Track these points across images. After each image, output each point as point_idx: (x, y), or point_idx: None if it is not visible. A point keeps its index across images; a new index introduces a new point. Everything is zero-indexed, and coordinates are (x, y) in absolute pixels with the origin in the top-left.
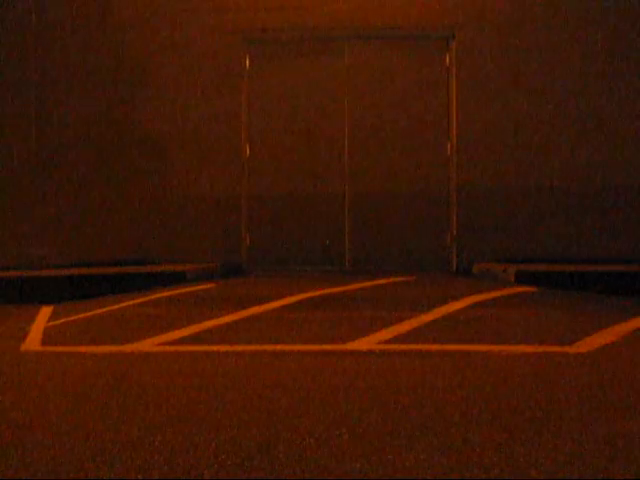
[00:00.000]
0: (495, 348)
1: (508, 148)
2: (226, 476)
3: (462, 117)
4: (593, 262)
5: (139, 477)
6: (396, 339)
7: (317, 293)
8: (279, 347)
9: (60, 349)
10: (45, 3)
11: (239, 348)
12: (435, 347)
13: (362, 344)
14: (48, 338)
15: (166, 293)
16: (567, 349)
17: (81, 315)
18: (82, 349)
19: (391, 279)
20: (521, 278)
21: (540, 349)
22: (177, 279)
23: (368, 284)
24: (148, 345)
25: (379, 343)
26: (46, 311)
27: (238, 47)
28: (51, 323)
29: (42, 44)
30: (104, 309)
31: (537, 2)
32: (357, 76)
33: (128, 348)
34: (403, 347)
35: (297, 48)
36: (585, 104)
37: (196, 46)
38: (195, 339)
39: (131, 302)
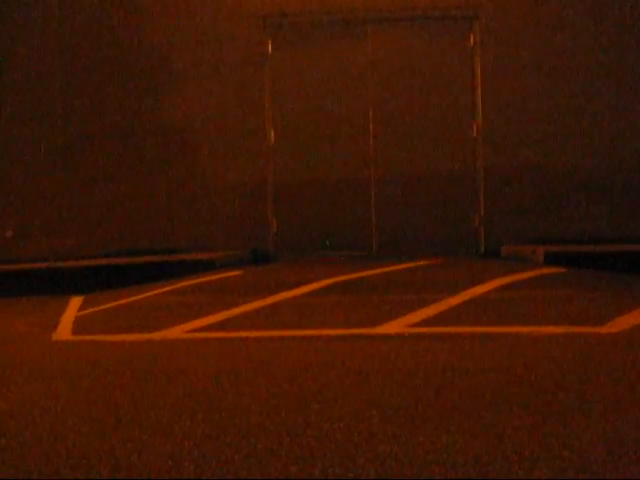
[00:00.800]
0: (525, 330)
1: (534, 128)
2: (255, 461)
3: (487, 98)
4: (623, 242)
5: (170, 462)
6: (425, 322)
7: (344, 278)
8: (307, 332)
9: (90, 338)
10: None
11: (267, 334)
12: (464, 329)
13: (391, 327)
14: (78, 327)
15: (194, 281)
16: (598, 329)
17: (111, 304)
18: (112, 338)
19: (419, 262)
20: (550, 259)
21: (571, 330)
22: (206, 267)
23: (396, 268)
24: (177, 332)
25: (408, 326)
26: (76, 301)
27: (260, 32)
28: (81, 313)
29: (65, 35)
30: (133, 298)
31: None
32: (381, 59)
33: (157, 336)
34: (432, 330)
35: (319, 32)
36: (614, 82)
37: (217, 33)
38: (223, 326)
39: (160, 290)
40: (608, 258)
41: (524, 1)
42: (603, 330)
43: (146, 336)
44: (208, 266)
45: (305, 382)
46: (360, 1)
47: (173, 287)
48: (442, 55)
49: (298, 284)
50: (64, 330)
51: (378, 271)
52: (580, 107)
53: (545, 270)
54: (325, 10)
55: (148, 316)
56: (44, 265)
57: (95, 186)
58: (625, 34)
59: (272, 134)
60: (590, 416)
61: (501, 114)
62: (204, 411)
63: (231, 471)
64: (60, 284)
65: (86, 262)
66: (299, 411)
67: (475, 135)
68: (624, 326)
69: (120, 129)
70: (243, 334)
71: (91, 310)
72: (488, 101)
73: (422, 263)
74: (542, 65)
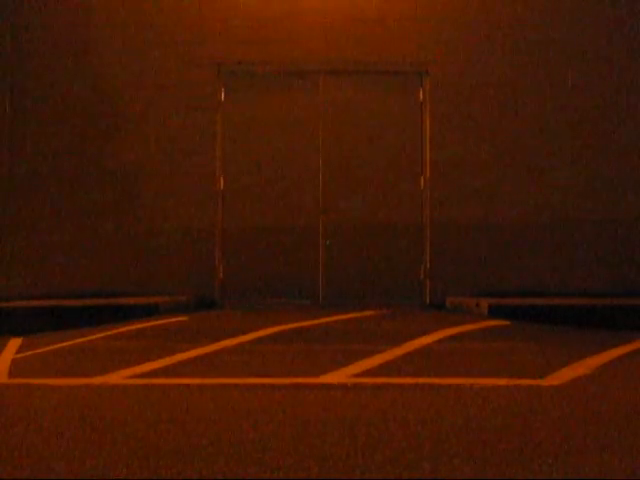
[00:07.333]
0: (467, 381)
1: (480, 182)
2: None
3: (435, 151)
4: (565, 296)
5: None
6: (368, 372)
7: (290, 326)
8: (250, 380)
9: (27, 381)
10: (19, 35)
11: (210, 381)
12: (407, 380)
13: (334, 377)
14: (15, 370)
15: (137, 325)
16: (539, 382)
17: (50, 347)
18: (50, 382)
19: (364, 312)
20: (494, 311)
21: (512, 382)
22: (150, 312)
23: (341, 317)
24: (117, 378)
25: (351, 376)
26: (15, 343)
27: (213, 79)
28: (19, 355)
29: (16, 75)
30: (74, 341)
31: (507, 38)
32: (332, 110)
33: (97, 381)
34: (375, 380)
35: (272, 81)
36: (561, 137)
37: (171, 77)
38: (166, 372)
39: (102, 334)
40: (551, 311)
41: (474, 58)
42: (544, 382)
43: (85, 381)
44: (152, 311)
45: (245, 431)
46: (313, 53)
47: (115, 331)
48: (392, 108)
49: (243, 331)
50: (0, 373)
51: (324, 320)
52: (526, 163)
53: (489, 322)
54: (278, 60)
55: (88, 361)
56: None
57: (40, 227)
58: (572, 92)
59: (222, 180)
60: (529, 467)
61: (448, 168)
62: (141, 459)
63: None
64: None
65: (27, 303)
66: (237, 460)
67: (422, 188)
68: (565, 378)
69: (67, 171)
70: (185, 381)
71: (29, 353)
72: (436, 154)
73: (368, 313)
74: (490, 121)
